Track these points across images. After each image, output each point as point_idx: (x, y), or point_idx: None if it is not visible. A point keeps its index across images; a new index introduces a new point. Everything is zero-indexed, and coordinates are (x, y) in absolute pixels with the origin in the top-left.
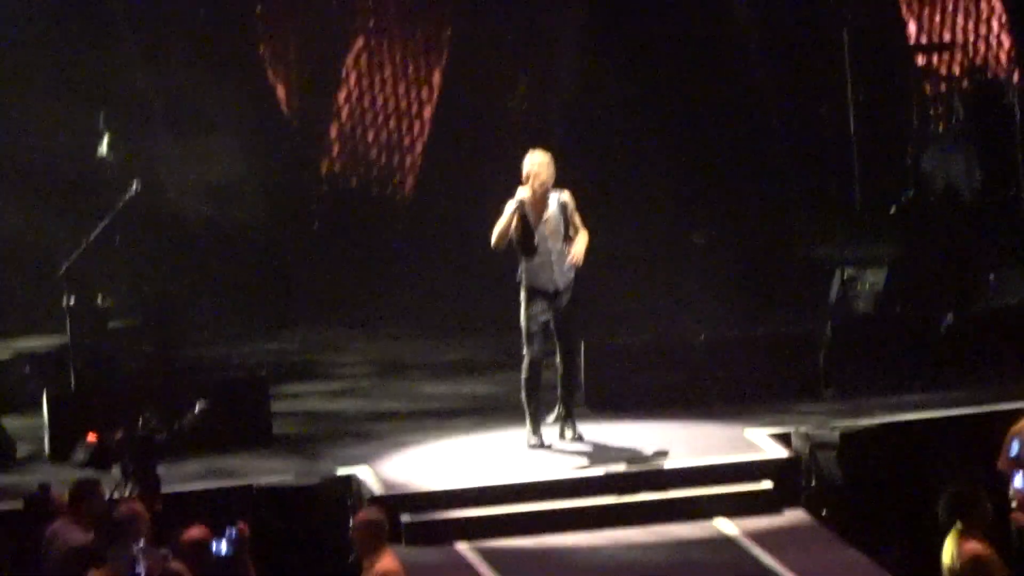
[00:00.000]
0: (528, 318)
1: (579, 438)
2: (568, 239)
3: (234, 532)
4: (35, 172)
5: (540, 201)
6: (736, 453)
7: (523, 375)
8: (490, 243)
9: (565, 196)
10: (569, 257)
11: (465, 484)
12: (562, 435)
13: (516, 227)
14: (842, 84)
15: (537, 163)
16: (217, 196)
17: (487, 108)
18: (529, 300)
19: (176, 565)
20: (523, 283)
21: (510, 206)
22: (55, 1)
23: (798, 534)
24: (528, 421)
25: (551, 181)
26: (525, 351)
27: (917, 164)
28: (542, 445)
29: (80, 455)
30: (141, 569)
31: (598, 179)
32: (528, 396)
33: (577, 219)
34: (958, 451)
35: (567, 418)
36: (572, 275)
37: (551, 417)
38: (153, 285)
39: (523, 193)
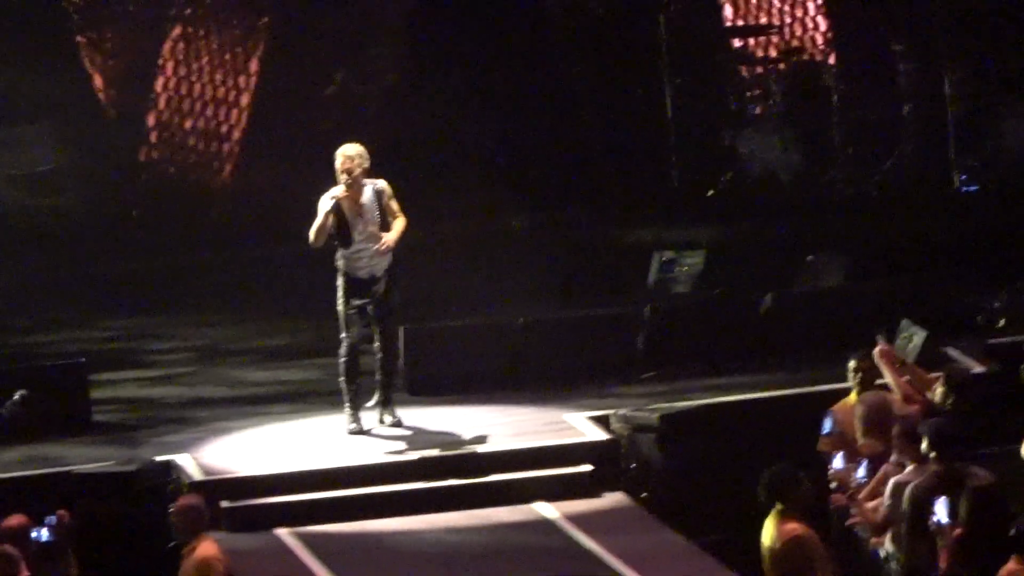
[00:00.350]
0: (345, 304)
1: (398, 423)
2: (385, 227)
3: (54, 519)
4: None
5: (355, 192)
6: (555, 436)
7: (340, 360)
8: (308, 240)
9: (381, 184)
10: (380, 244)
11: (284, 469)
12: (381, 420)
13: (332, 222)
14: (659, 68)
15: (344, 155)
16: (34, 185)
17: (304, 97)
18: (346, 286)
19: (7, 548)
20: (340, 269)
21: (324, 204)
22: None
23: (618, 517)
24: (347, 406)
25: (361, 172)
26: (342, 336)
27: (734, 147)
28: (361, 431)
29: None
30: None
31: (417, 166)
32: (346, 381)
33: (395, 205)
34: (777, 433)
35: (386, 403)
36: (389, 261)
37: (371, 402)
38: None
39: (337, 191)
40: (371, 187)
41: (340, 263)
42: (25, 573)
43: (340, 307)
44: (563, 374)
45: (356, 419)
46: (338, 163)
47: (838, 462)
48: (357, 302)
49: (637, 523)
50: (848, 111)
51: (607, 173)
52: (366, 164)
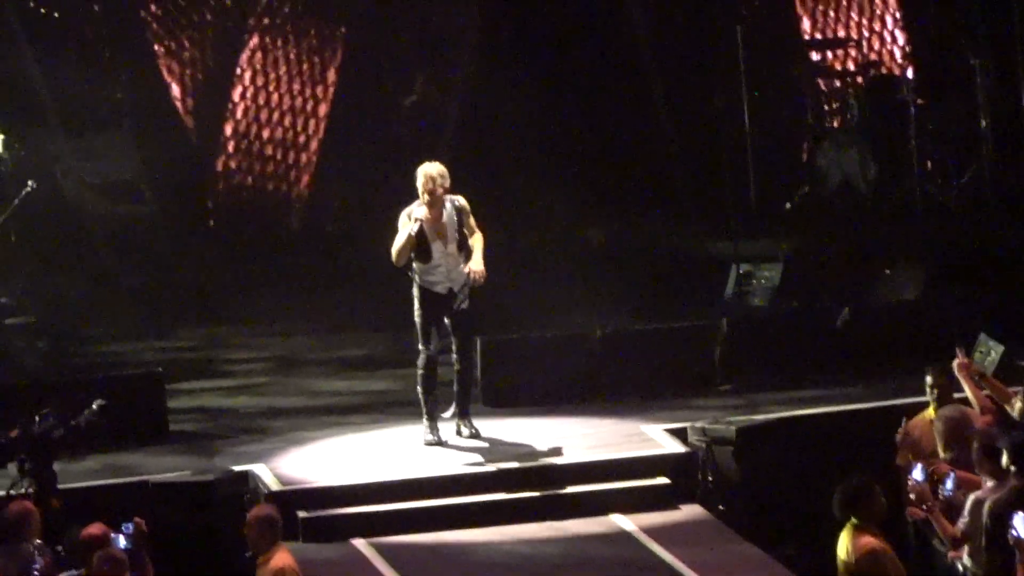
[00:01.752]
0: (422, 315)
1: (475, 435)
2: (463, 243)
3: (131, 527)
4: None
5: (436, 212)
6: (632, 448)
7: (419, 371)
8: (392, 259)
9: (460, 201)
10: (465, 270)
11: (361, 480)
12: (459, 432)
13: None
14: (736, 80)
15: (426, 175)
16: (112, 193)
17: (382, 107)
18: (423, 298)
19: (114, 551)
20: (416, 281)
21: (404, 221)
22: None
23: (695, 529)
24: (425, 418)
25: (443, 191)
26: (420, 347)
27: (812, 160)
28: (439, 442)
29: None
30: (38, 566)
31: (494, 178)
32: (424, 392)
33: (472, 222)
34: (854, 446)
35: (463, 415)
36: (466, 275)
37: (448, 413)
38: (49, 282)
39: (419, 212)
40: (451, 204)
41: (417, 276)
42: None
43: (418, 319)
44: (641, 386)
45: (434, 430)
46: (420, 182)
47: (917, 474)
48: (435, 315)
49: (713, 535)
50: (926, 124)
51: (685, 185)
52: (447, 184)
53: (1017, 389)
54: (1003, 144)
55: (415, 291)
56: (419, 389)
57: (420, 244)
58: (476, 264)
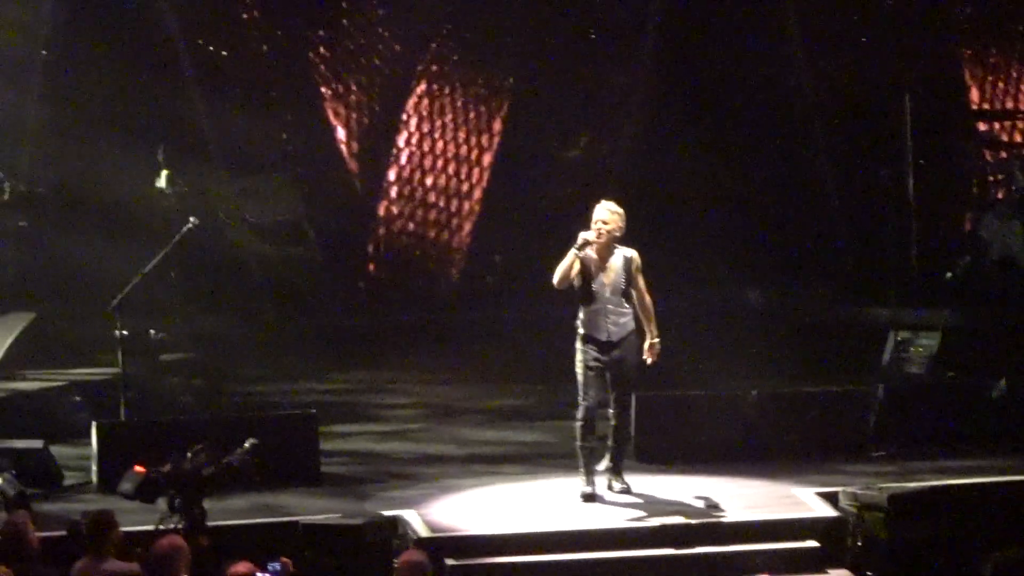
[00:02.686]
0: (583, 365)
1: (627, 490)
2: (627, 296)
3: (279, 566)
4: (94, 205)
5: (604, 251)
6: (783, 510)
7: (577, 423)
8: (552, 281)
9: (632, 254)
10: (645, 355)
11: (511, 530)
12: (610, 487)
13: (576, 272)
14: (902, 148)
15: (607, 208)
16: (273, 234)
17: (546, 160)
18: (584, 347)
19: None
20: (579, 332)
21: (575, 248)
22: (119, 39)
23: None
24: (582, 470)
25: (618, 232)
26: (580, 399)
27: (975, 230)
28: (594, 495)
29: (126, 486)
30: None
31: (654, 234)
32: (582, 444)
33: (641, 281)
34: (1007, 519)
35: (615, 471)
36: (630, 328)
37: (601, 466)
38: (206, 320)
39: (588, 234)
40: (621, 253)
41: (580, 325)
42: None
43: (579, 369)
44: (793, 449)
45: (591, 483)
46: (598, 214)
47: None
48: (595, 365)
49: None
50: None
51: (847, 250)
52: (623, 226)
53: None
54: None
55: (577, 343)
56: (576, 441)
57: (584, 279)
58: (655, 340)
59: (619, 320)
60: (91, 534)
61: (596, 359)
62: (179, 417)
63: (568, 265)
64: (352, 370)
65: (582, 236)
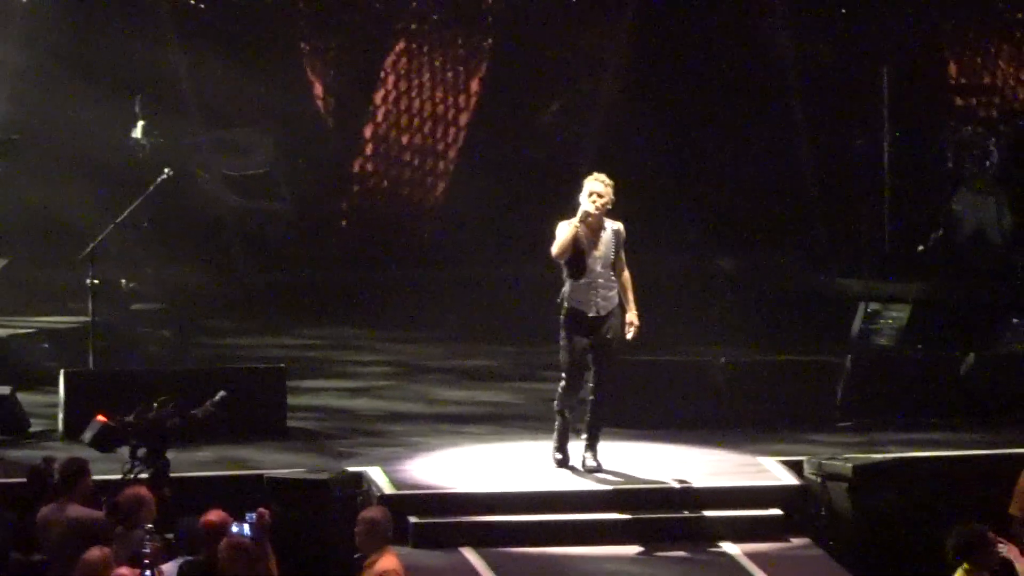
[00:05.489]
0: (568, 340)
1: (597, 468)
2: (613, 269)
3: (254, 516)
4: (70, 153)
5: (596, 223)
6: (748, 478)
7: (559, 391)
8: (551, 253)
9: (619, 226)
10: (628, 328)
11: (475, 489)
12: (583, 462)
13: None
14: (879, 121)
15: (602, 180)
16: (248, 187)
17: (522, 122)
18: (569, 323)
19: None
20: (565, 304)
21: (563, 229)
22: None
23: (803, 563)
24: (556, 436)
25: (610, 206)
26: (563, 373)
27: (948, 204)
28: (565, 462)
29: (87, 434)
30: (147, 552)
31: (628, 201)
32: (560, 412)
33: (623, 255)
34: (969, 492)
35: (590, 445)
36: (616, 302)
37: (580, 438)
38: (178, 272)
39: (589, 207)
40: (610, 226)
41: (566, 299)
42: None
43: (563, 344)
44: (761, 417)
45: (562, 450)
46: (592, 186)
47: None
48: (581, 340)
49: (822, 570)
50: None
51: (820, 221)
52: (613, 198)
53: None
54: None
55: (562, 317)
56: (556, 405)
57: (576, 252)
58: (635, 318)
59: (607, 294)
60: (63, 479)
61: (581, 335)
62: (147, 367)
63: (570, 237)
64: (322, 326)
65: (582, 209)
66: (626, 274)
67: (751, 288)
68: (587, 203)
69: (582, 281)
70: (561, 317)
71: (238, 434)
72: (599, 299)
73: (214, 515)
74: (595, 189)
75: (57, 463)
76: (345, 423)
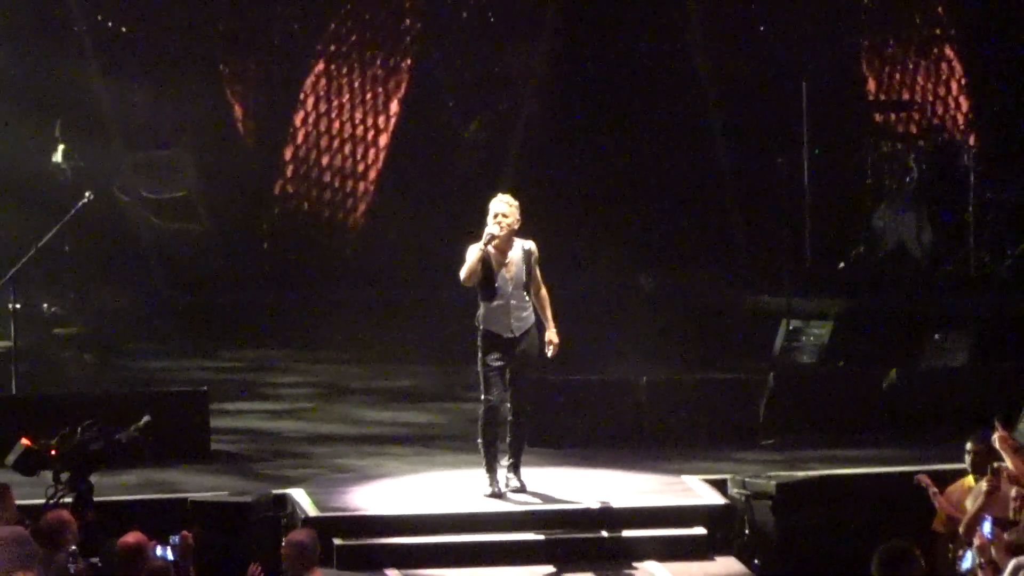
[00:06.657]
0: (485, 364)
1: (522, 489)
2: (527, 288)
3: (178, 539)
4: None
5: (504, 244)
6: (671, 497)
7: (480, 420)
8: (460, 278)
9: (530, 245)
10: (548, 346)
11: (400, 511)
12: (507, 483)
13: (479, 270)
14: (799, 136)
15: (505, 201)
16: (167, 209)
17: (442, 142)
18: (485, 345)
19: (162, 562)
20: (480, 327)
21: (473, 250)
22: (19, 12)
23: None
24: (485, 467)
25: (516, 225)
26: (483, 397)
27: (868, 221)
28: (499, 494)
29: (11, 457)
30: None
31: (548, 218)
32: (485, 442)
33: (538, 272)
34: (894, 508)
35: (514, 467)
36: (531, 322)
37: (504, 462)
38: (99, 295)
39: (493, 229)
40: (520, 245)
41: (481, 321)
42: None
43: (480, 367)
44: (683, 435)
45: (494, 482)
46: (497, 207)
47: (987, 528)
48: (498, 363)
49: None
50: (984, 192)
51: (740, 238)
52: (519, 218)
53: None
54: None
55: (479, 340)
56: (480, 438)
57: (485, 274)
58: (555, 336)
59: (521, 315)
60: None
61: (498, 357)
62: (71, 391)
63: (475, 261)
64: (245, 348)
65: (488, 231)
66: (543, 291)
67: (672, 306)
68: (492, 225)
69: (495, 303)
70: (478, 340)
71: (162, 458)
72: (513, 320)
73: (131, 537)
74: (499, 210)
75: None
76: (269, 445)
